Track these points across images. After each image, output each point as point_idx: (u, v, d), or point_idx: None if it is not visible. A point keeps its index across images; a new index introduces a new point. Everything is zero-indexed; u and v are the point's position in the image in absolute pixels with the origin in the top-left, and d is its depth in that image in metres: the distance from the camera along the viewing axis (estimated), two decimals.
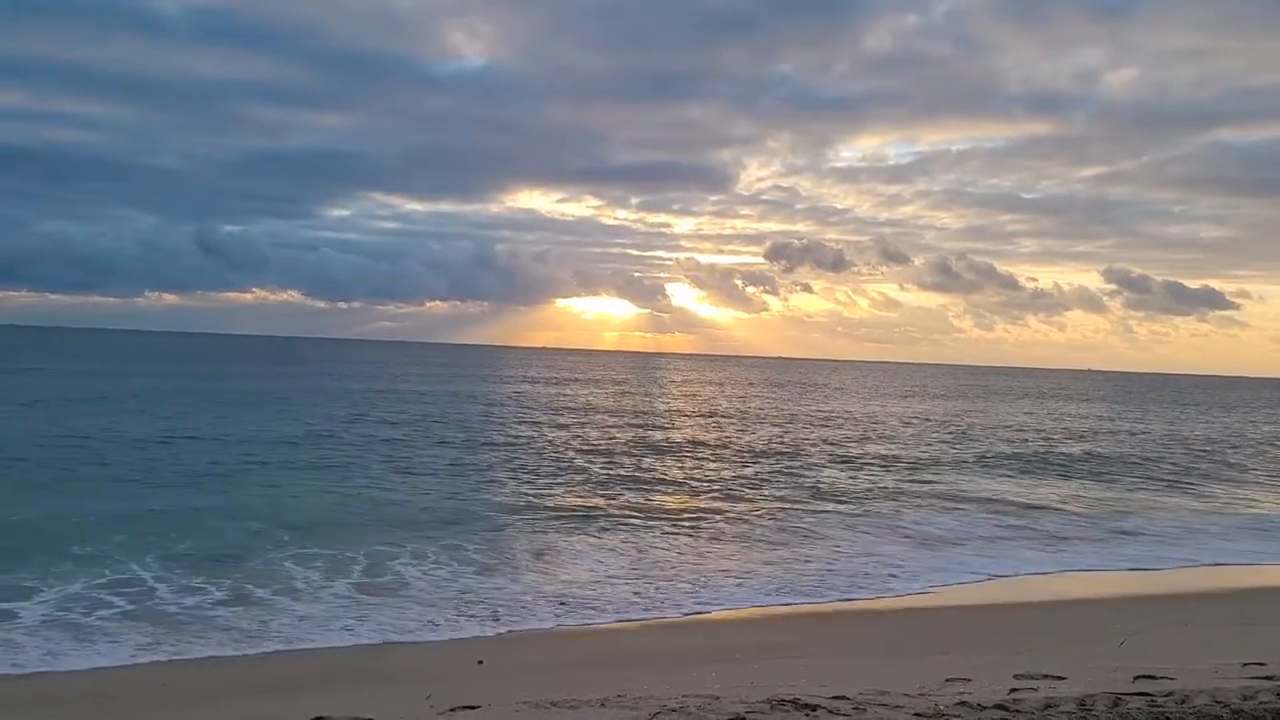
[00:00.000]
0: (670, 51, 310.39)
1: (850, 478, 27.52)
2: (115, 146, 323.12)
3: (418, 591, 13.45)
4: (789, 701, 7.40)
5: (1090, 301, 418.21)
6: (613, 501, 21.65)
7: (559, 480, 24.70)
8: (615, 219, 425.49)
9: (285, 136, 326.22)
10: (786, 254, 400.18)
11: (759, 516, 20.49)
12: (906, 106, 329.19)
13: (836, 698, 7.60)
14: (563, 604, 13.06)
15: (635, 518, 19.72)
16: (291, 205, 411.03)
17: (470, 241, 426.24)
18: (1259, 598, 15.09)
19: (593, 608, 12.94)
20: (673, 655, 10.74)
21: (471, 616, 12.35)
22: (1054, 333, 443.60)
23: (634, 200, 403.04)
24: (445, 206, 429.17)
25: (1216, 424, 61.77)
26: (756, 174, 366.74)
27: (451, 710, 7.85)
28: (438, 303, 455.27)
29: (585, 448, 32.52)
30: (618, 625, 12.35)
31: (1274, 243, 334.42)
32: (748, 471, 28.04)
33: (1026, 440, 43.13)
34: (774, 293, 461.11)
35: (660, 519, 19.73)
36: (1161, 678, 8.52)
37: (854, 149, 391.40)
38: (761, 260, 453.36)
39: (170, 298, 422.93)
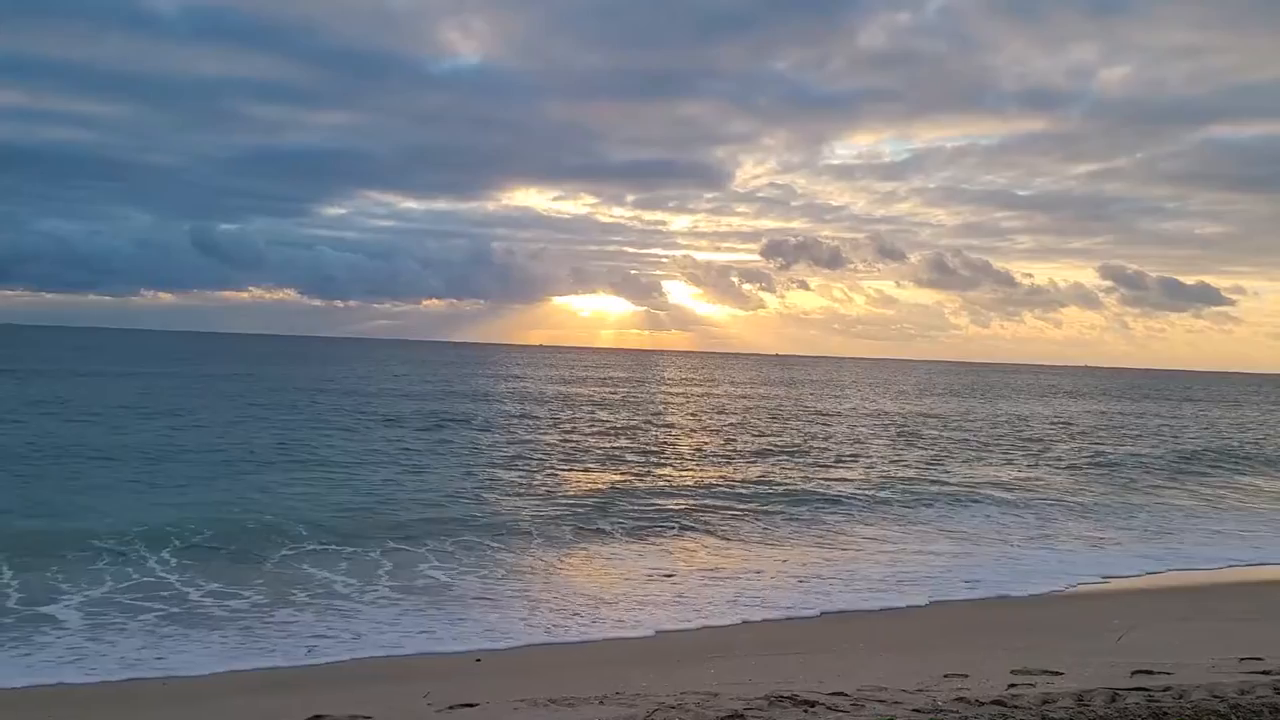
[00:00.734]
0: (666, 49, 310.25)
1: (865, 475, 27.56)
2: (111, 145, 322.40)
3: (463, 594, 13.35)
4: (787, 698, 7.41)
5: (1086, 298, 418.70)
6: (636, 502, 21.54)
7: (574, 478, 24.66)
8: (611, 217, 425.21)
9: (281, 135, 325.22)
10: (783, 251, 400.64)
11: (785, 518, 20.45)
12: (901, 104, 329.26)
13: (835, 694, 7.61)
14: (596, 603, 13.07)
15: (653, 517, 19.67)
16: (288, 203, 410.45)
17: (467, 239, 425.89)
18: (1257, 593, 15.13)
19: (634, 610, 12.87)
20: (671, 652, 10.74)
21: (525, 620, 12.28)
22: (1050, 329, 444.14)
23: (630, 198, 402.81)
24: (442, 205, 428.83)
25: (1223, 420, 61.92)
26: (752, 171, 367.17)
27: (450, 708, 7.86)
28: (434, 301, 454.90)
29: (597, 446, 32.53)
30: (618, 623, 12.35)
31: (1268, 239, 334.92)
32: (770, 471, 28.04)
33: (1052, 438, 43.25)
34: (770, 290, 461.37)
35: (678, 519, 19.64)
36: (1159, 673, 8.54)
37: (849, 146, 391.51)
38: (758, 257, 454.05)
39: (167, 296, 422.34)
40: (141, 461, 24.69)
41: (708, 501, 21.87)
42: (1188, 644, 10.25)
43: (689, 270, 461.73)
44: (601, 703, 7.64)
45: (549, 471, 25.90)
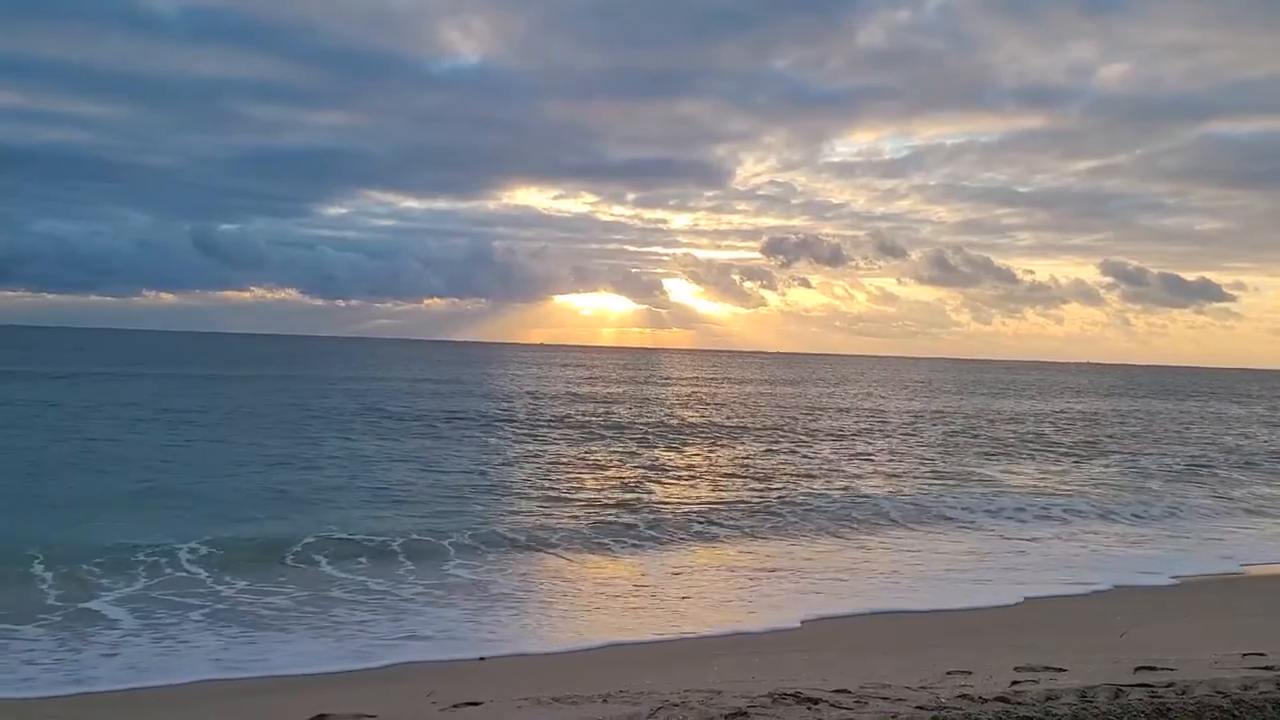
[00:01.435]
0: (665, 48, 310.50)
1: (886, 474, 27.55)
2: (111, 145, 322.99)
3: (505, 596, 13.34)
4: (790, 695, 7.41)
5: (1087, 294, 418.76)
6: (656, 503, 21.49)
7: (594, 477, 24.67)
8: (612, 215, 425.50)
9: (281, 135, 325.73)
10: (783, 249, 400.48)
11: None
12: (900, 101, 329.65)
13: (838, 691, 7.61)
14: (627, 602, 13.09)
15: (670, 517, 19.63)
16: (288, 203, 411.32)
17: (467, 239, 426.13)
18: (1258, 588, 15.12)
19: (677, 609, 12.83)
20: (675, 650, 10.75)
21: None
22: (1051, 326, 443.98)
23: (630, 196, 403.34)
24: (442, 204, 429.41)
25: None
26: (752, 169, 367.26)
27: (454, 707, 7.87)
28: (436, 300, 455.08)
29: (619, 445, 32.54)
30: (619, 623, 12.36)
31: (1269, 234, 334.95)
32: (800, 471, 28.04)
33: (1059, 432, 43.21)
34: (772, 287, 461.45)
35: (696, 519, 19.64)
36: (1162, 669, 8.54)
37: (849, 144, 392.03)
38: (758, 255, 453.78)
39: (168, 297, 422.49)
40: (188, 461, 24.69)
41: (726, 502, 21.68)
42: (1190, 640, 10.25)
43: (690, 268, 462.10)
44: (605, 701, 7.65)
45: (569, 471, 25.82)
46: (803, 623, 12.22)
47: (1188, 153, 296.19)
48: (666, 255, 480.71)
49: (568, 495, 21.76)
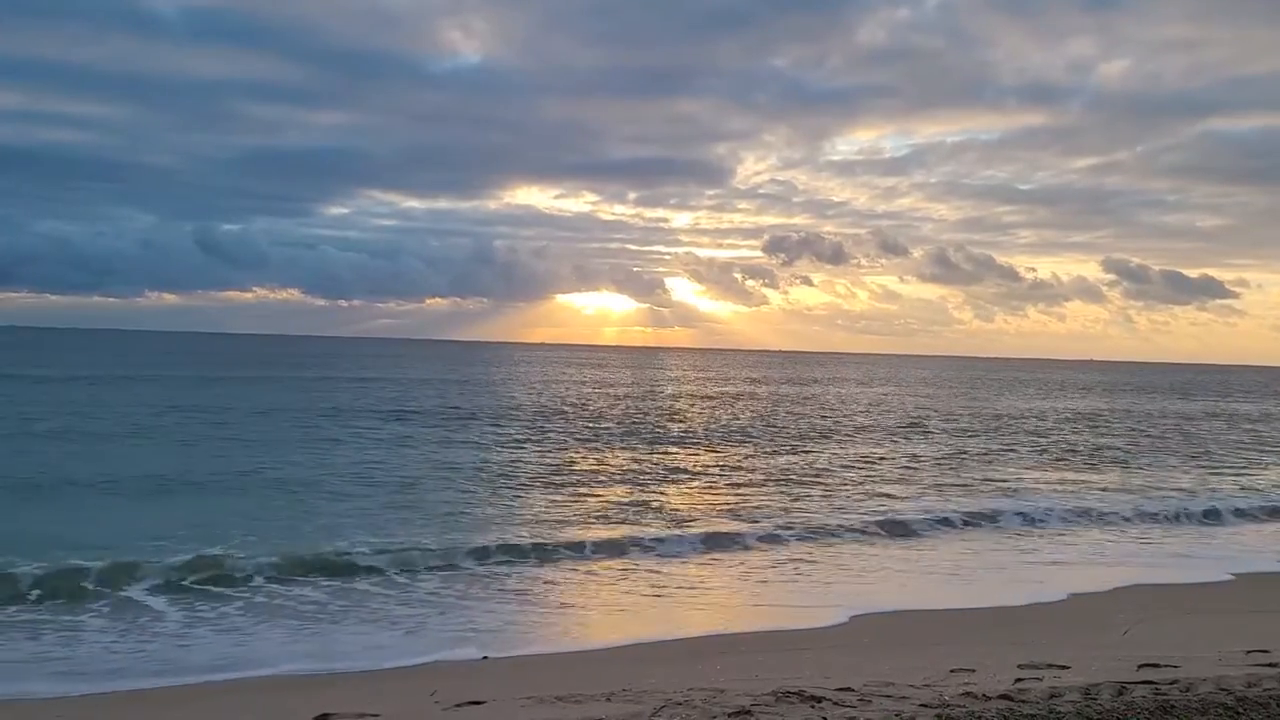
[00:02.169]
0: (665, 47, 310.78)
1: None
2: (113, 146, 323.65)
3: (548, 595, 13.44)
4: (794, 694, 7.40)
5: (1089, 292, 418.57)
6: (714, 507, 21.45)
7: (613, 480, 24.61)
8: (613, 214, 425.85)
9: (283, 135, 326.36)
10: (785, 247, 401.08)
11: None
12: (901, 99, 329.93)
13: (842, 689, 7.60)
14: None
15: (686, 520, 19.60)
16: (290, 203, 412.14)
17: (469, 238, 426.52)
18: (1262, 585, 15.09)
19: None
20: (678, 649, 10.75)
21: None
22: (1054, 323, 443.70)
23: (631, 195, 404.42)
24: (443, 203, 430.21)
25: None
26: (753, 168, 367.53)
27: (457, 706, 7.87)
28: (437, 300, 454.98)
29: (639, 447, 32.54)
30: (621, 620, 12.36)
31: (1270, 231, 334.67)
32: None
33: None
34: (773, 286, 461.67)
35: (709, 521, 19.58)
36: (1165, 666, 8.54)
37: (850, 142, 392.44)
38: (760, 254, 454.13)
39: (170, 297, 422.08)
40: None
41: (736, 504, 21.61)
42: (1194, 637, 10.24)
43: (691, 267, 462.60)
44: (608, 700, 7.64)
45: (581, 471, 25.77)
46: (812, 623, 12.23)
47: (1188, 149, 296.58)
48: (668, 254, 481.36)
49: (577, 495, 21.75)
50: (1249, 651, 9.27)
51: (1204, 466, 31.47)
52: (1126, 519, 20.88)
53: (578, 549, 16.08)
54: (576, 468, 26.31)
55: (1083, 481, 26.81)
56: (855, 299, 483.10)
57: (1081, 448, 36.18)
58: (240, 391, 53.80)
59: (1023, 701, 6.97)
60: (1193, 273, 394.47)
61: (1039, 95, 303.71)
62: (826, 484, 24.49)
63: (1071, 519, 20.59)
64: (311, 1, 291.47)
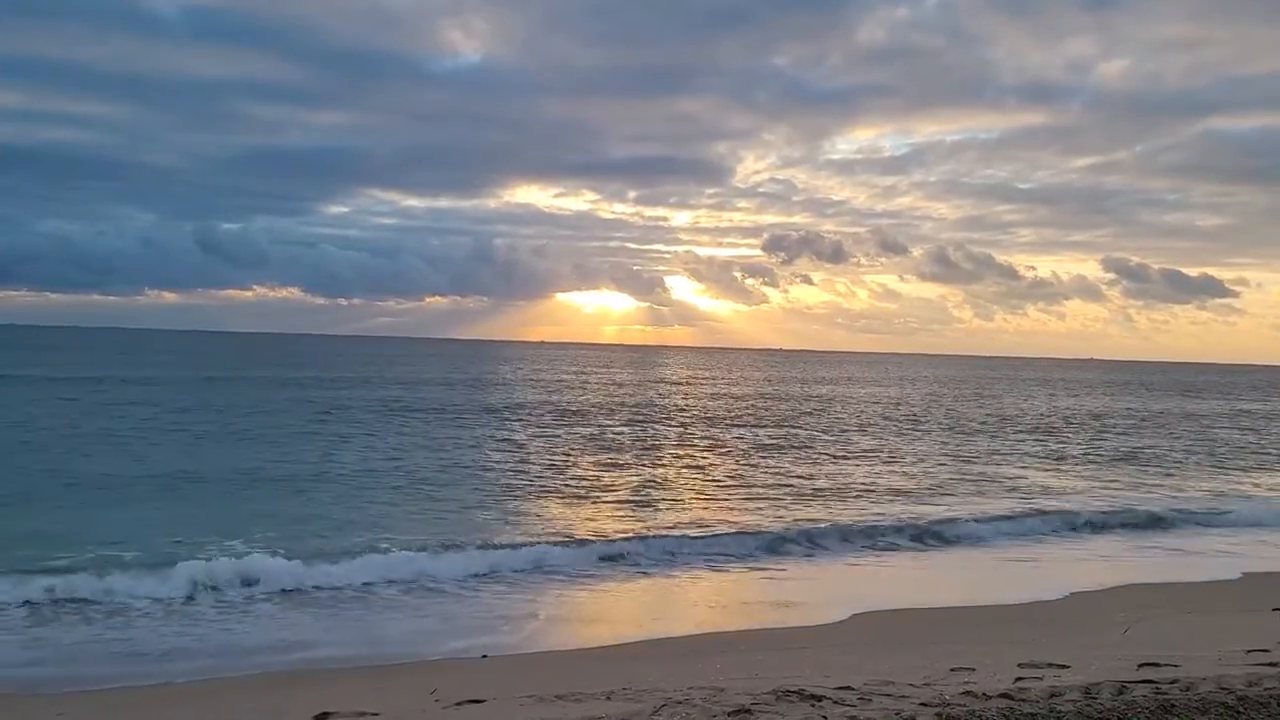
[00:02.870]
0: (664, 46, 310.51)
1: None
2: (113, 145, 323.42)
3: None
4: (794, 693, 7.39)
5: (1089, 291, 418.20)
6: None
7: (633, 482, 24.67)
8: (613, 213, 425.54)
9: (283, 134, 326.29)
10: (785, 246, 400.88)
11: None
12: (900, 98, 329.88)
13: (842, 688, 7.59)
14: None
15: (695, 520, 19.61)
16: (290, 202, 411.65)
17: (469, 237, 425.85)
18: (1262, 584, 15.08)
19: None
20: (678, 647, 10.74)
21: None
22: (1054, 322, 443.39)
23: (631, 194, 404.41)
24: (443, 202, 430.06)
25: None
26: (753, 167, 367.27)
27: (457, 704, 7.87)
28: (437, 298, 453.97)
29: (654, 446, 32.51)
30: (621, 619, 12.36)
31: (1270, 230, 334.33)
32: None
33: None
34: (773, 285, 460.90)
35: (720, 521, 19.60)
36: (1166, 665, 8.52)
37: (849, 141, 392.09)
38: (760, 252, 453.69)
39: (170, 296, 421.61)
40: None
41: (739, 507, 21.66)
42: (1194, 637, 10.22)
43: (691, 266, 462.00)
44: (608, 698, 7.63)
45: (588, 471, 25.77)
46: (812, 622, 12.24)
47: (1188, 149, 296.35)
48: (668, 253, 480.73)
49: (578, 494, 21.77)
50: (1249, 650, 9.25)
51: (1219, 466, 31.49)
52: (1130, 519, 20.86)
53: (578, 548, 16.06)
54: (580, 467, 26.32)
55: (1091, 479, 26.81)
56: (855, 298, 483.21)
57: (1103, 449, 36.21)
58: (244, 390, 53.91)
59: (1023, 700, 6.96)
60: (1192, 272, 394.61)
61: (1039, 94, 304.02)
62: (829, 484, 24.49)
63: (1073, 520, 20.57)
64: (312, 1, 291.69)
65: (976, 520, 19.74)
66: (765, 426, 40.69)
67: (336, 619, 12.03)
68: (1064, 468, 29.86)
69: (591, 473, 25.19)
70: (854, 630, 11.73)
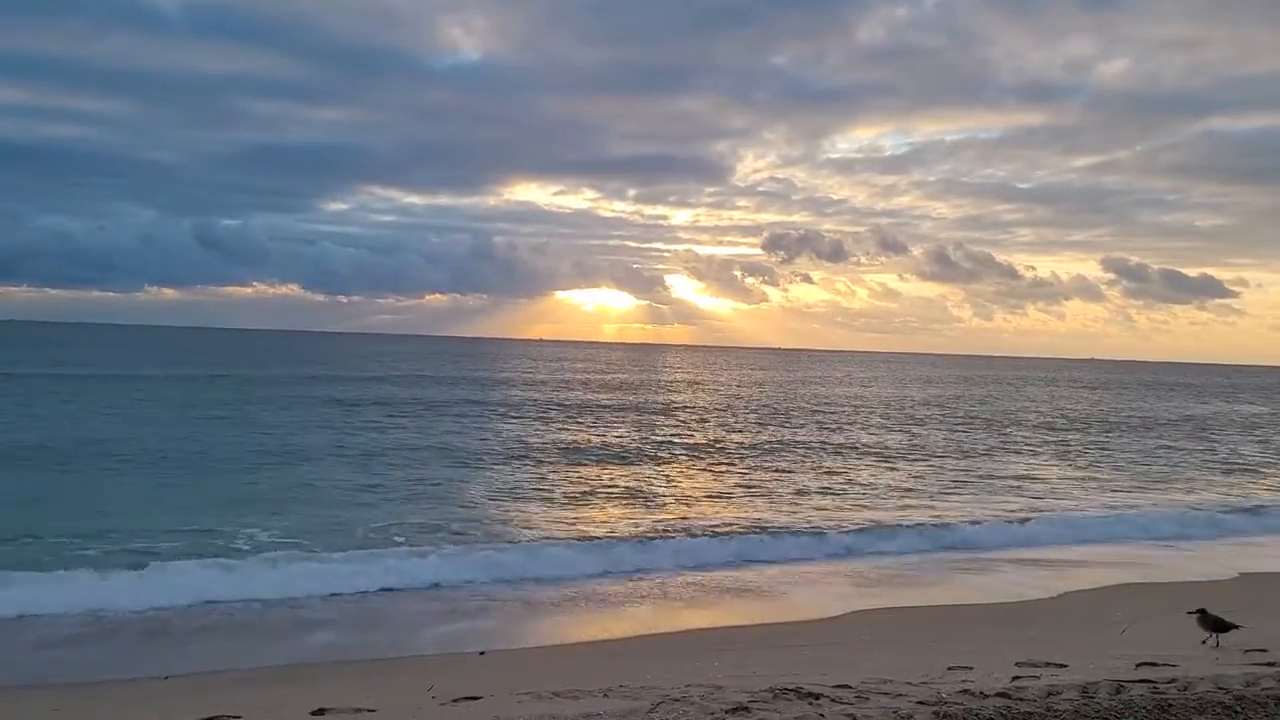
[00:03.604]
0: (665, 44, 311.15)
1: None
2: (114, 141, 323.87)
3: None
4: (792, 690, 7.38)
5: (1089, 290, 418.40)
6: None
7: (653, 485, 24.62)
8: (613, 211, 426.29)
9: (283, 131, 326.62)
10: (784, 245, 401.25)
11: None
12: (900, 98, 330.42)
13: (839, 686, 7.58)
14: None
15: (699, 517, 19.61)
16: (290, 199, 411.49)
17: (469, 234, 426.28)
18: (1260, 584, 15.07)
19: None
20: (676, 645, 10.74)
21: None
22: (1053, 321, 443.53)
23: (631, 192, 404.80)
24: (443, 199, 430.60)
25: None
26: (753, 165, 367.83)
27: (454, 701, 7.86)
28: (437, 295, 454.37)
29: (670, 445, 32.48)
30: (618, 616, 12.35)
31: (1270, 230, 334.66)
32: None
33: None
34: (773, 283, 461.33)
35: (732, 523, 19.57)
36: (1163, 665, 8.51)
37: (849, 140, 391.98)
38: (759, 251, 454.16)
39: (170, 292, 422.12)
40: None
41: (731, 509, 21.68)
42: (1192, 636, 10.20)
43: (691, 264, 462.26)
44: (605, 695, 7.62)
45: (594, 470, 25.82)
46: (810, 620, 12.23)
47: (1188, 149, 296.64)
48: (667, 251, 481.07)
49: (579, 493, 21.77)
50: (1247, 650, 9.25)
51: (1223, 467, 31.49)
52: (1129, 519, 20.84)
53: (579, 546, 16.07)
54: (578, 465, 26.32)
55: (1091, 479, 26.80)
56: (855, 297, 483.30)
57: (1103, 450, 36.21)
58: (249, 387, 53.88)
59: (1020, 700, 6.95)
60: (1192, 272, 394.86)
61: (1038, 94, 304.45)
62: (828, 482, 24.49)
63: (1071, 519, 20.57)
64: None
65: (975, 519, 19.75)
66: (765, 425, 40.69)
67: (335, 617, 12.02)
68: (1064, 468, 29.85)
69: (590, 471, 25.19)
70: (852, 628, 11.72)
